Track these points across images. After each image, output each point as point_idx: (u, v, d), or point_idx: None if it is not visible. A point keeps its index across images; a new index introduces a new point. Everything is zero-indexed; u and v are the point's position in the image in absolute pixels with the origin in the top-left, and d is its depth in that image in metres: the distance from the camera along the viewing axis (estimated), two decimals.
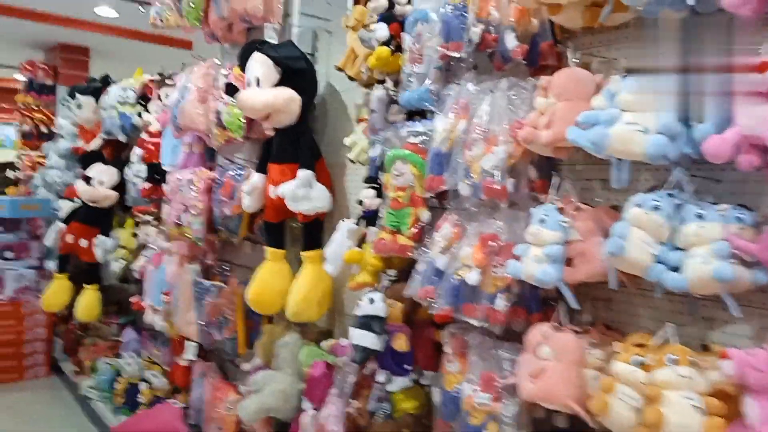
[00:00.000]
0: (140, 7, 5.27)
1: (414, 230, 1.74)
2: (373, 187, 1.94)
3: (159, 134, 3.55)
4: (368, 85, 2.08)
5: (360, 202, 1.94)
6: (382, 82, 2.04)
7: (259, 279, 2.52)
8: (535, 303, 1.51)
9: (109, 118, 4.04)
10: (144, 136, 3.64)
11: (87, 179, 4.05)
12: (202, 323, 2.81)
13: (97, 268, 4.27)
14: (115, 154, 4.44)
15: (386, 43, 1.89)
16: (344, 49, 2.50)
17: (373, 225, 1.90)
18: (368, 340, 1.71)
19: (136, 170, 3.90)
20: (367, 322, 1.72)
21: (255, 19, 2.65)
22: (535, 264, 1.33)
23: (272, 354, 2.44)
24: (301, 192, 2.31)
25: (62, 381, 4.68)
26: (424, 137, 1.77)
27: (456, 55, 1.59)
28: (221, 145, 2.79)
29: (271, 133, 2.61)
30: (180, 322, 3.00)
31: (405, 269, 1.95)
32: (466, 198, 1.58)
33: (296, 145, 2.41)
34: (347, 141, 2.14)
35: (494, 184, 1.47)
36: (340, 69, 2.09)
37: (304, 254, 2.43)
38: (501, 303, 1.46)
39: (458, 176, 1.57)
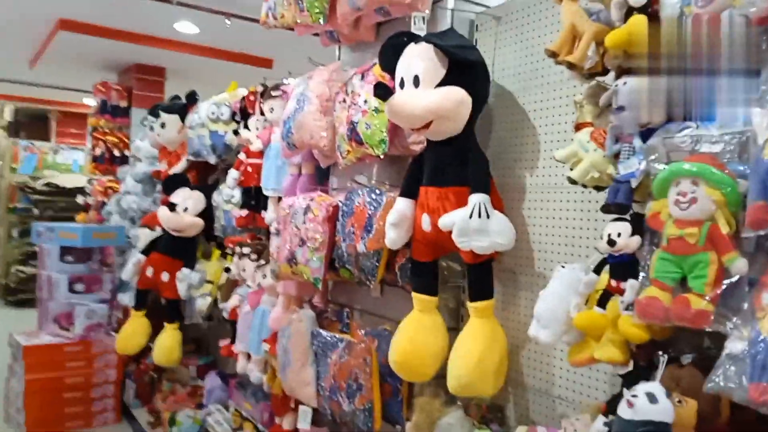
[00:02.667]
0: (226, 20, 4.90)
1: (716, 289, 1.13)
2: (624, 219, 1.34)
3: (260, 154, 3.06)
4: (592, 75, 1.50)
5: (611, 242, 1.34)
6: (604, 72, 1.47)
7: (408, 336, 1.94)
8: None
9: (198, 138, 3.58)
10: (241, 156, 3.15)
11: (171, 206, 3.59)
12: (325, 387, 2.24)
13: (178, 305, 3.79)
14: (201, 178, 4.00)
15: (642, 10, 1.31)
16: (516, 40, 1.96)
17: (628, 276, 1.30)
18: None
19: (228, 195, 3.42)
20: None
21: (398, 7, 2.12)
22: None
23: None
24: (476, 224, 1.73)
25: (135, 430, 4.19)
26: (726, 145, 1.17)
27: None
28: (350, 164, 2.25)
29: (417, 148, 2.07)
30: (291, 381, 2.43)
31: (665, 344, 1.34)
32: None
33: (463, 161, 1.84)
34: (560, 155, 1.55)
35: None
36: (553, 54, 1.52)
37: (473, 306, 1.84)
38: None
39: None
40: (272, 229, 2.70)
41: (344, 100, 2.21)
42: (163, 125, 3.96)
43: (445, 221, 1.80)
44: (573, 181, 1.49)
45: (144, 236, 4.21)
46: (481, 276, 1.86)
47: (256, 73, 5.86)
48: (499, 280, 1.96)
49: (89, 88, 6.61)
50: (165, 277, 3.69)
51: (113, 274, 4.79)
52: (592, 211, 1.72)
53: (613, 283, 1.33)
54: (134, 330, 3.78)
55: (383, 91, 1.80)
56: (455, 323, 2.13)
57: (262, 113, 3.03)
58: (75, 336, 4.19)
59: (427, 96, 1.79)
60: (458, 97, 1.79)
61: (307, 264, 2.34)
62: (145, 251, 3.85)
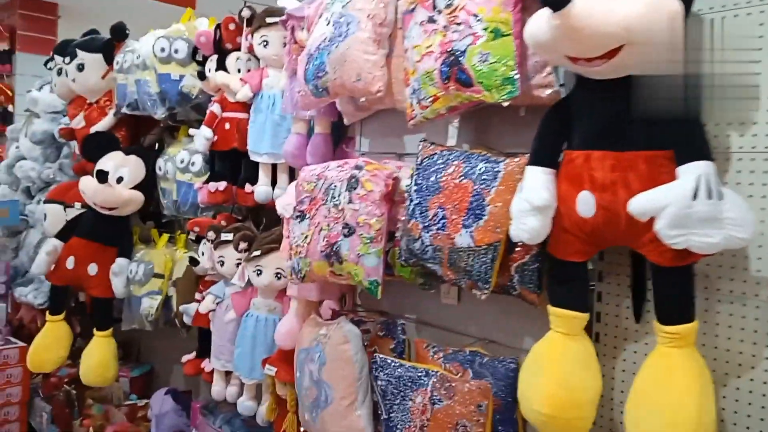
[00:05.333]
0: None
1: None
2: None
3: (242, 106, 2.25)
4: None
5: None
6: None
7: (559, 374, 1.30)
8: None
9: (137, 84, 2.68)
10: (215, 109, 2.31)
11: (99, 175, 2.69)
12: None
13: (110, 306, 2.90)
14: (131, 138, 3.09)
15: None
16: None
17: None
18: None
19: (183, 162, 2.58)
20: None
21: None
22: None
23: None
24: (704, 208, 1.11)
25: None
26: None
27: None
28: (432, 118, 1.54)
29: (544, 94, 1.41)
30: (330, 426, 1.72)
31: None
32: None
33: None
34: None
35: None
36: None
37: (670, 331, 1.22)
38: None
39: None
40: (282, 211, 1.93)
41: (432, 20, 1.48)
42: (80, 67, 3.00)
43: (645, 204, 1.16)
44: None
45: (53, 215, 3.22)
46: (682, 286, 1.24)
47: (175, 14, 4.82)
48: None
49: None
50: (92, 269, 2.80)
51: (6, 262, 3.76)
52: None
53: None
54: (51, 340, 2.84)
55: None
56: None
57: (250, 50, 2.21)
58: None
59: (626, 4, 1.12)
60: (671, 7, 1.13)
61: (359, 261, 1.61)
62: (62, 235, 2.90)
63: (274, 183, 2.26)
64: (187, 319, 2.51)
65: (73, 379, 3.42)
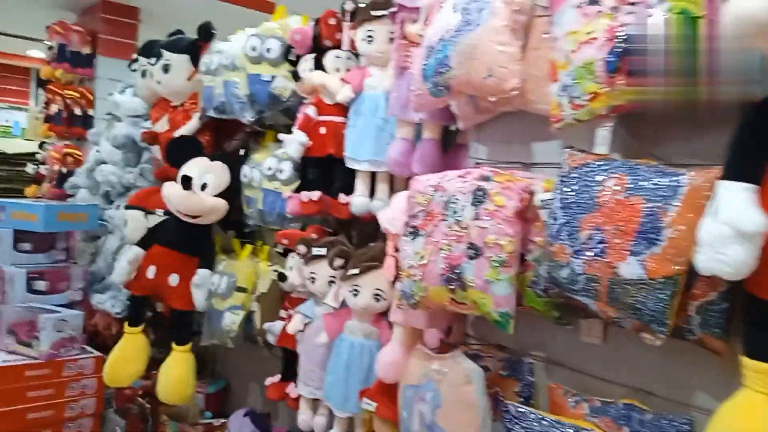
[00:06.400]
0: None
1: None
2: None
3: (339, 109, 2.05)
4: None
5: None
6: None
7: None
8: None
9: (226, 86, 2.53)
10: (309, 111, 2.12)
11: (184, 180, 2.55)
12: None
13: (191, 319, 2.75)
14: (216, 143, 2.95)
15: None
16: None
17: None
18: None
19: (271, 169, 2.40)
20: None
21: None
22: None
23: None
24: None
25: None
26: None
27: None
28: (585, 120, 1.28)
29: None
30: None
31: None
32: None
33: None
34: None
35: None
36: None
37: None
38: None
39: None
40: (387, 225, 1.71)
41: (594, 1, 1.22)
42: (166, 68, 2.88)
43: None
44: None
45: (134, 221, 3.11)
46: None
47: (253, 20, 4.69)
48: None
49: (37, 36, 5.32)
50: (173, 280, 2.65)
51: (83, 269, 3.69)
52: None
53: None
54: (129, 353, 2.71)
55: None
56: None
57: (352, 48, 2.01)
58: (40, 355, 3.08)
59: None
60: None
61: (487, 289, 1.37)
62: (143, 243, 2.77)
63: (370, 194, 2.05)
64: (271, 338, 2.33)
65: (147, 392, 3.31)
